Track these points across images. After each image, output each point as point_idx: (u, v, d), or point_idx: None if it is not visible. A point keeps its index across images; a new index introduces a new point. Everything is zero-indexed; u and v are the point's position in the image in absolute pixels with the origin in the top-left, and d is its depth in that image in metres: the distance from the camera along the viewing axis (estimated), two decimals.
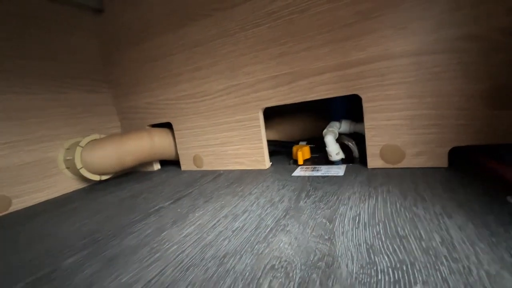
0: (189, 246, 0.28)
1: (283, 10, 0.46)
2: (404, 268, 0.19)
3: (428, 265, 0.19)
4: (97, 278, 0.25)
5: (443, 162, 0.39)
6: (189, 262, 0.25)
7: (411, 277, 0.18)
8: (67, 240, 0.35)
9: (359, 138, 0.50)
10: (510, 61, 0.33)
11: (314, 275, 0.20)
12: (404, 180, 0.37)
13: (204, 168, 0.63)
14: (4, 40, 0.54)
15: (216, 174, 0.56)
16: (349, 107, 0.58)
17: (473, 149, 0.42)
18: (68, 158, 0.58)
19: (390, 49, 0.39)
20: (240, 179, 0.50)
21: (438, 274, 0.18)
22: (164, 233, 0.32)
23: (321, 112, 0.70)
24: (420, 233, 0.23)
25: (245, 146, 0.55)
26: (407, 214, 0.27)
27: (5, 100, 0.54)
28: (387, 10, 0.38)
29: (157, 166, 0.74)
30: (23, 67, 0.57)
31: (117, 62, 0.71)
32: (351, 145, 0.51)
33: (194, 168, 0.64)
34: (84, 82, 0.69)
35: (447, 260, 0.20)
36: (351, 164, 0.48)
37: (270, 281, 0.20)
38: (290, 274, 0.21)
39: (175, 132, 0.65)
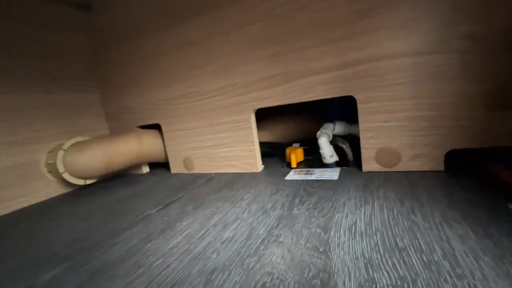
0: (175, 259, 0.26)
1: (279, 8, 0.44)
2: (406, 286, 0.18)
3: (431, 283, 0.18)
4: None
5: (440, 165, 0.38)
6: (175, 279, 0.23)
7: None
8: (48, 250, 0.33)
9: (354, 141, 0.49)
10: (511, 62, 0.32)
11: None
12: (400, 184, 0.36)
13: (195, 171, 0.61)
14: None
15: (207, 178, 0.54)
16: (344, 108, 0.57)
17: (471, 152, 0.41)
18: (50, 161, 0.56)
19: (388, 49, 0.38)
20: (232, 183, 0.48)
21: None
22: (150, 244, 0.30)
23: (315, 113, 0.68)
24: (420, 245, 0.22)
25: (238, 148, 0.54)
26: (405, 222, 0.26)
27: None
28: (385, 8, 0.37)
29: (146, 169, 0.71)
30: (7, 66, 0.54)
31: (106, 61, 0.68)
32: (346, 147, 0.50)
33: (185, 171, 0.62)
34: (71, 82, 0.66)
35: (450, 276, 0.18)
36: (345, 167, 0.47)
37: None
38: None
39: (164, 133, 0.63)
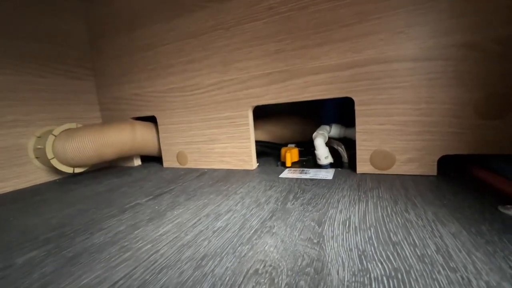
0: (164, 245, 0.25)
1: (282, 6, 0.44)
2: (400, 276, 0.18)
3: (424, 274, 0.18)
4: (55, 277, 0.22)
5: (433, 170, 0.39)
6: (163, 263, 0.22)
7: (408, 286, 0.17)
8: (30, 233, 0.31)
9: (349, 144, 0.49)
10: (504, 71, 0.33)
11: (302, 282, 0.18)
12: (393, 185, 0.36)
13: (188, 165, 0.60)
14: None
15: (200, 172, 0.53)
16: (340, 112, 0.58)
17: (462, 158, 0.42)
18: (38, 147, 0.54)
19: (386, 52, 0.38)
20: (225, 178, 0.47)
21: (436, 284, 0.17)
22: (138, 230, 0.29)
23: (311, 116, 0.69)
24: (413, 240, 0.22)
25: (233, 144, 0.53)
26: (398, 219, 0.26)
27: None
28: (386, 13, 0.38)
29: (137, 162, 0.70)
30: (2, 45, 0.52)
31: (104, 49, 0.67)
32: (341, 149, 0.50)
33: (177, 165, 0.61)
34: (66, 68, 0.64)
35: (444, 269, 0.18)
36: (339, 169, 0.47)
37: (253, 287, 0.18)
38: (276, 280, 0.19)
39: (159, 126, 0.62)
